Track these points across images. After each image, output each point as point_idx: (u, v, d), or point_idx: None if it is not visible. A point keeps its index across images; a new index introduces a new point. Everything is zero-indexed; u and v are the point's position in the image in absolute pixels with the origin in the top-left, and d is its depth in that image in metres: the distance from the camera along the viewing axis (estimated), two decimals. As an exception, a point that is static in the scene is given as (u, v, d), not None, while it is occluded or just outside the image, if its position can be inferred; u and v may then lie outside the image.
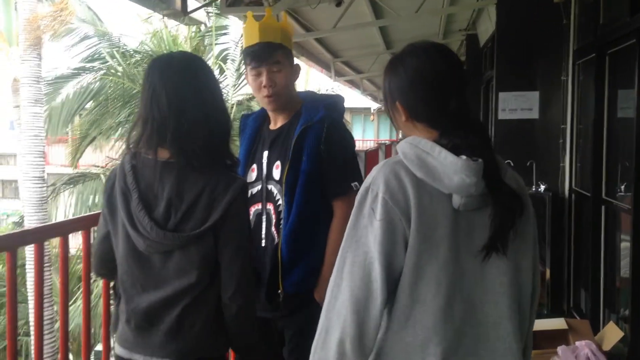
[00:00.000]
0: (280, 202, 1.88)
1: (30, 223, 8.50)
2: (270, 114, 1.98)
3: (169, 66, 1.45)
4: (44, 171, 8.76)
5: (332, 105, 1.97)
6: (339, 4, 4.86)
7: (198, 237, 1.41)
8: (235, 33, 11.72)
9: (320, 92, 2.32)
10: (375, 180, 1.12)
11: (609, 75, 3.44)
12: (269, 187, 1.92)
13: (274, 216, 1.90)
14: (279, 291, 1.86)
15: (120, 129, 10.95)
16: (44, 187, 8.90)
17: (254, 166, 1.97)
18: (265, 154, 1.94)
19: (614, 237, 3.47)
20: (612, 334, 3.14)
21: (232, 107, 11.32)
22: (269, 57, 1.84)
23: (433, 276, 1.10)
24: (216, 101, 1.48)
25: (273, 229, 1.90)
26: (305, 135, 1.86)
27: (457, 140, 1.11)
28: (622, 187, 3.44)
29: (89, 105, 11.17)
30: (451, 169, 1.08)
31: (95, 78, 10.78)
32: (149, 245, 1.40)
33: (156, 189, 1.42)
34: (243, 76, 11.74)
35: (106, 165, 11.44)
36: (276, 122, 1.97)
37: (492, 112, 5.24)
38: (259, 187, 1.94)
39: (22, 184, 8.83)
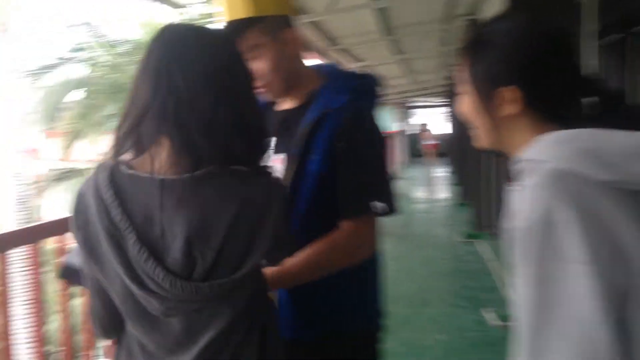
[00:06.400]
0: None
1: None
2: None
3: (184, 38, 0.97)
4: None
5: (361, 89, 1.43)
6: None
7: (243, 280, 0.94)
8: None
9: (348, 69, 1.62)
10: (555, 205, 0.75)
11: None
12: None
13: None
14: None
15: (108, 122, 10.57)
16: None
17: None
18: (273, 140, 1.44)
19: None
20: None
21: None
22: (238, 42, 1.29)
23: None
24: (246, 91, 1.02)
25: None
26: (320, 126, 1.35)
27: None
28: None
29: (74, 98, 10.76)
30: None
31: (80, 69, 10.35)
32: (169, 308, 0.93)
33: (160, 222, 0.92)
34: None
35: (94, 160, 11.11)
36: (284, 102, 1.49)
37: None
38: None
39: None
